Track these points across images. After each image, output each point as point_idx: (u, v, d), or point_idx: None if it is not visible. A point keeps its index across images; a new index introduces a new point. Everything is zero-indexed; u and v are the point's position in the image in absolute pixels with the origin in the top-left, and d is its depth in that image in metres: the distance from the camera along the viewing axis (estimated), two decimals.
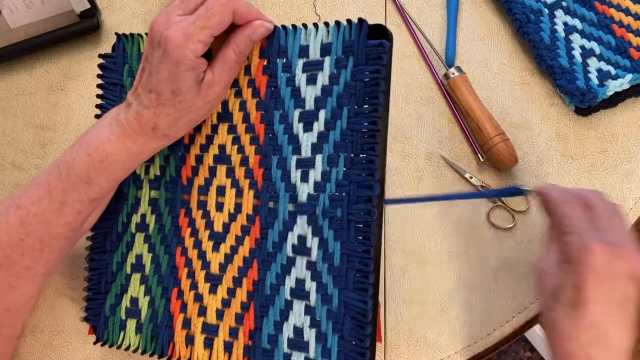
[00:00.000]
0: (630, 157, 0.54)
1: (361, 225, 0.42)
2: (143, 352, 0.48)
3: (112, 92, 0.52)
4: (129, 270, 0.50)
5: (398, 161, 0.56)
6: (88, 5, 0.62)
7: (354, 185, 0.42)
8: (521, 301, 0.51)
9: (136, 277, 0.50)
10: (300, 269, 0.44)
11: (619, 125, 0.55)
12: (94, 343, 0.50)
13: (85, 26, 0.62)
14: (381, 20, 0.61)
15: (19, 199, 0.45)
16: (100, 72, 0.52)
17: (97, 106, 0.53)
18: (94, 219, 0.49)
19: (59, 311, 0.55)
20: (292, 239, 0.45)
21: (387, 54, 0.42)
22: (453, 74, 0.56)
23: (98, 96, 0.52)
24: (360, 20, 0.42)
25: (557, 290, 0.39)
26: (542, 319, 0.41)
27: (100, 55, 0.53)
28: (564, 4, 0.57)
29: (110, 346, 0.49)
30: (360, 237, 0.42)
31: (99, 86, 0.52)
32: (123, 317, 0.49)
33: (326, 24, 0.43)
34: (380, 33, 0.42)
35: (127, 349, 0.49)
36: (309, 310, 0.44)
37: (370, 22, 0.43)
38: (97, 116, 0.53)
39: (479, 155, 0.54)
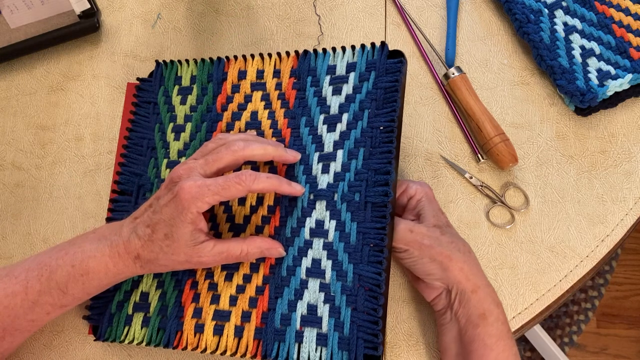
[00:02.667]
0: (630, 157, 0.54)
1: (378, 206, 0.47)
2: (148, 344, 0.49)
3: (145, 109, 0.58)
4: None
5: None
6: (88, 5, 0.62)
7: (372, 172, 0.48)
8: (521, 301, 0.51)
9: (149, 273, 0.51)
10: (317, 250, 0.48)
11: (618, 125, 0.55)
12: (95, 340, 0.50)
13: (85, 26, 0.62)
14: (381, 20, 0.61)
15: None
16: (135, 93, 0.58)
17: (130, 121, 0.57)
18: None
19: None
20: (310, 223, 0.48)
21: (404, 68, 0.50)
22: (453, 74, 0.56)
23: (131, 112, 0.58)
24: (383, 43, 0.50)
25: (433, 221, 0.48)
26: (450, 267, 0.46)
27: (138, 79, 0.59)
28: (564, 4, 0.57)
29: (113, 341, 0.50)
30: (377, 216, 0.46)
31: (133, 104, 0.58)
32: (130, 312, 0.50)
33: (352, 47, 0.52)
34: (397, 55, 0.50)
35: (130, 342, 0.49)
36: (323, 287, 0.46)
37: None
38: (129, 129, 0.57)
39: (479, 155, 0.54)
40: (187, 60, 0.58)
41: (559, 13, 0.57)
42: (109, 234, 0.47)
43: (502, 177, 0.55)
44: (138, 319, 0.50)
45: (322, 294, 0.46)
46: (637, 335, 1.22)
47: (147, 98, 0.58)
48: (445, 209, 0.54)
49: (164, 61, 0.58)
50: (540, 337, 1.15)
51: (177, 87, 0.57)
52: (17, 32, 0.62)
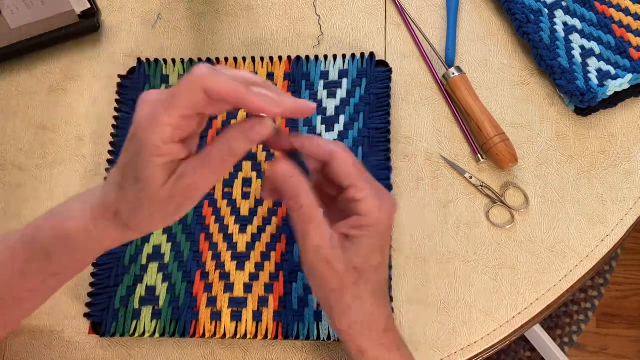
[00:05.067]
0: (630, 157, 0.54)
1: None
2: (162, 335, 0.50)
3: (130, 107, 0.58)
4: (144, 261, 0.52)
5: (398, 161, 0.56)
6: (88, 5, 0.62)
7: (373, 168, 0.52)
8: (521, 301, 0.51)
9: (154, 266, 0.52)
10: None
11: (618, 125, 0.55)
12: (101, 336, 0.51)
13: (85, 26, 0.62)
14: (381, 20, 0.61)
15: None
16: (118, 90, 0.59)
17: (115, 118, 0.58)
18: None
19: (59, 311, 0.55)
20: None
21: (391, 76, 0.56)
22: (453, 74, 0.56)
23: (116, 109, 0.58)
24: (372, 54, 0.56)
25: (359, 262, 0.38)
26: (336, 315, 0.40)
27: (120, 76, 0.59)
28: (563, 4, 0.57)
29: (122, 336, 0.50)
30: None
31: (117, 101, 0.58)
32: (136, 307, 0.51)
33: (343, 55, 0.57)
34: (383, 64, 0.57)
35: (141, 335, 0.50)
36: None
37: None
38: (114, 126, 0.57)
39: (479, 155, 0.54)
40: (173, 60, 0.59)
41: (559, 13, 0.57)
42: (94, 192, 0.40)
43: (502, 177, 0.55)
44: (147, 312, 0.51)
45: None
46: (637, 335, 1.22)
47: (132, 96, 0.58)
48: (445, 209, 0.54)
49: (147, 59, 0.59)
50: (540, 337, 1.15)
51: (164, 85, 0.59)
52: (17, 32, 0.62)
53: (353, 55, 0.57)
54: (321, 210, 0.39)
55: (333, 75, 0.57)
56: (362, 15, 0.61)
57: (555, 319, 1.24)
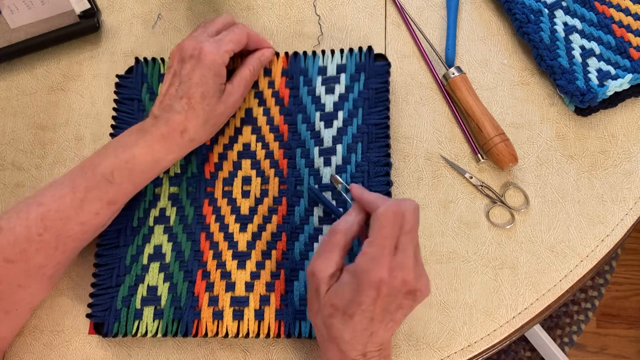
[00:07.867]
0: (630, 157, 0.54)
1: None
2: (164, 335, 0.50)
3: (128, 106, 0.58)
4: (145, 261, 0.52)
5: (398, 161, 0.56)
6: (88, 5, 0.62)
7: (372, 164, 0.52)
8: (521, 301, 0.51)
9: (155, 266, 0.52)
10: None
11: (619, 125, 0.55)
12: (104, 336, 0.51)
13: (85, 26, 0.62)
14: (381, 20, 0.61)
15: (41, 197, 0.47)
16: (116, 90, 0.59)
17: (114, 118, 0.58)
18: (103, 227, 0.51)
19: (59, 311, 0.55)
20: (318, 212, 0.52)
21: (390, 70, 0.56)
22: (453, 74, 0.56)
23: (114, 109, 0.58)
24: (369, 47, 0.56)
25: (336, 300, 0.42)
26: (314, 319, 0.45)
27: (117, 76, 0.59)
28: (564, 4, 0.57)
29: (124, 336, 0.50)
30: None
31: (115, 101, 0.59)
32: (138, 307, 0.51)
33: (341, 50, 0.57)
34: (382, 57, 0.56)
35: (143, 335, 0.50)
36: None
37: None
38: (113, 126, 0.57)
39: (479, 155, 0.54)
40: (161, 58, 0.59)
41: (559, 13, 0.57)
42: (142, 126, 0.49)
43: (502, 177, 0.55)
44: (149, 312, 0.51)
45: None
46: (637, 335, 1.22)
47: (130, 95, 0.58)
48: (445, 209, 0.54)
49: (144, 58, 0.59)
50: (540, 337, 1.15)
51: (162, 85, 0.58)
52: (17, 32, 0.62)
53: (351, 50, 0.56)
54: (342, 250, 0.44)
55: (331, 71, 0.56)
56: (362, 15, 0.61)
57: (555, 319, 1.24)
